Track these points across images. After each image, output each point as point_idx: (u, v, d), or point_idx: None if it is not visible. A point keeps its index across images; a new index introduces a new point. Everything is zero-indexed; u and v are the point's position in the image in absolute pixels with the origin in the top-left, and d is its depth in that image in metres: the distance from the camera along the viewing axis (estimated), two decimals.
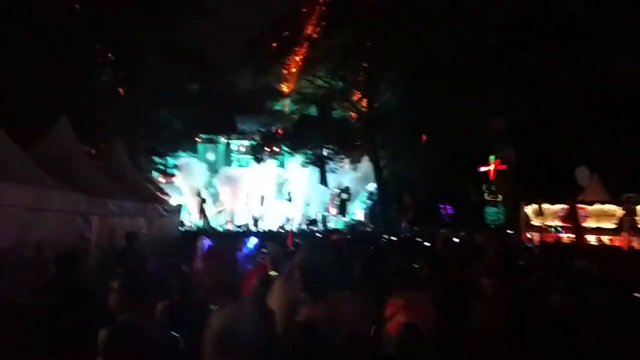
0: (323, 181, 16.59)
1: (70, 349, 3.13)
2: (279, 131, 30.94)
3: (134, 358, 2.54)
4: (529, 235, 16.69)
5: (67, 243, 6.51)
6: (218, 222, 28.13)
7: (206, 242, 5.71)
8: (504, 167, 21.76)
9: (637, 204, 13.93)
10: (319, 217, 29.62)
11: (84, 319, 3.20)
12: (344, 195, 29.99)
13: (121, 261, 6.48)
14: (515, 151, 21.87)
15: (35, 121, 11.00)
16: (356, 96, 29.69)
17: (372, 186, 30.98)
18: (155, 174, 29.31)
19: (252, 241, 6.36)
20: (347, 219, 28.40)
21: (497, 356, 2.81)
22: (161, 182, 29.37)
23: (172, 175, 31.14)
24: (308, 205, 32.37)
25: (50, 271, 4.24)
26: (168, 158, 29.49)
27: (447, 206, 26.94)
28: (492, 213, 19.76)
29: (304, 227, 27.09)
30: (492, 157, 21.99)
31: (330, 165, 31.32)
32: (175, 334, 2.74)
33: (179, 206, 14.86)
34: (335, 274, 2.84)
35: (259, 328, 2.12)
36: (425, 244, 11.14)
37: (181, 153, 30.41)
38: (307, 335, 2.19)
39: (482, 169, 22.28)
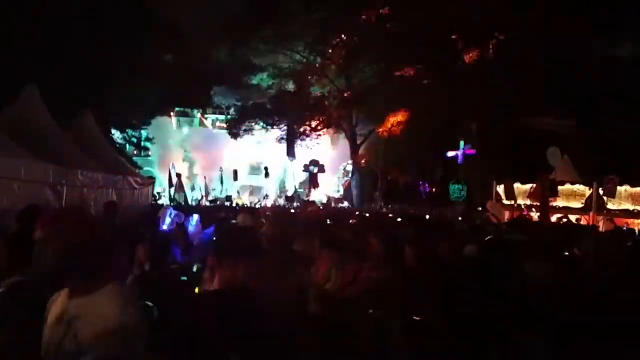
0: (291, 155, 16.39)
1: None
2: (256, 105, 30.63)
3: (20, 316, 2.59)
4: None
5: None
6: (193, 196, 27.96)
7: (169, 211, 5.65)
8: (472, 152, 21.78)
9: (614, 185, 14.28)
10: (295, 193, 29.63)
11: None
12: (313, 168, 29.86)
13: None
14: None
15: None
16: (334, 72, 29.48)
17: (349, 164, 31.09)
18: (129, 148, 28.90)
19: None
20: (320, 192, 28.35)
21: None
22: (135, 155, 29.02)
23: (146, 148, 30.75)
24: (284, 181, 32.38)
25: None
26: (142, 131, 29.03)
27: (425, 183, 27.14)
28: (456, 190, 19.94)
29: (281, 202, 27.10)
30: (462, 143, 21.99)
31: (307, 141, 31.18)
32: (149, 303, 2.77)
33: (152, 179, 14.74)
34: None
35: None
36: (399, 219, 11.34)
37: (156, 126, 29.95)
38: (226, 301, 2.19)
39: (450, 153, 22.22)
